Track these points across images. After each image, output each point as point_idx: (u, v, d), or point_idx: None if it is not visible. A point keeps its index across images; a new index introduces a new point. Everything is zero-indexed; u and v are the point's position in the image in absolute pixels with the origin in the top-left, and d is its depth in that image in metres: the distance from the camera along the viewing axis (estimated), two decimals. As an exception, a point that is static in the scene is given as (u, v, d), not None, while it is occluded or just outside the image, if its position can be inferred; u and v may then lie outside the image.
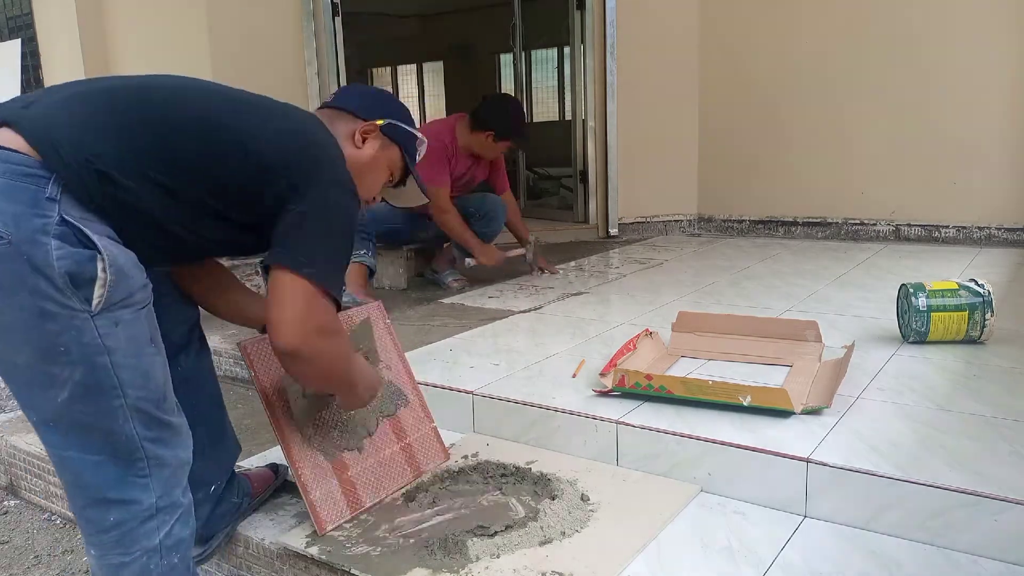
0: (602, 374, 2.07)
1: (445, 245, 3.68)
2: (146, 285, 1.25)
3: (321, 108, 1.60)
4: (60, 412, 1.18)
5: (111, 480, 1.22)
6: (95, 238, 1.15)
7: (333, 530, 1.58)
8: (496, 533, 1.53)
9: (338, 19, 4.22)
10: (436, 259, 3.75)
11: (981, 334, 2.26)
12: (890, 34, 4.21)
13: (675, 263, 3.88)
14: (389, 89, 11.41)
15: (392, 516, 1.62)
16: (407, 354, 2.43)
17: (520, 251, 3.61)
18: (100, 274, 1.15)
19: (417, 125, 1.67)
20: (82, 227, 1.14)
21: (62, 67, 4.72)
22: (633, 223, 4.94)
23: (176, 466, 1.29)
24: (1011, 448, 1.58)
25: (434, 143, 3.28)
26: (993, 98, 3.99)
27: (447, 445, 1.98)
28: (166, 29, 4.18)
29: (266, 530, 1.68)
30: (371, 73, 11.26)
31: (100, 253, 1.15)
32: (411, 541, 1.52)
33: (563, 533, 1.52)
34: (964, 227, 4.15)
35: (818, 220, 4.59)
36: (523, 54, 5.67)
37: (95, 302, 1.15)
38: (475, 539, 1.51)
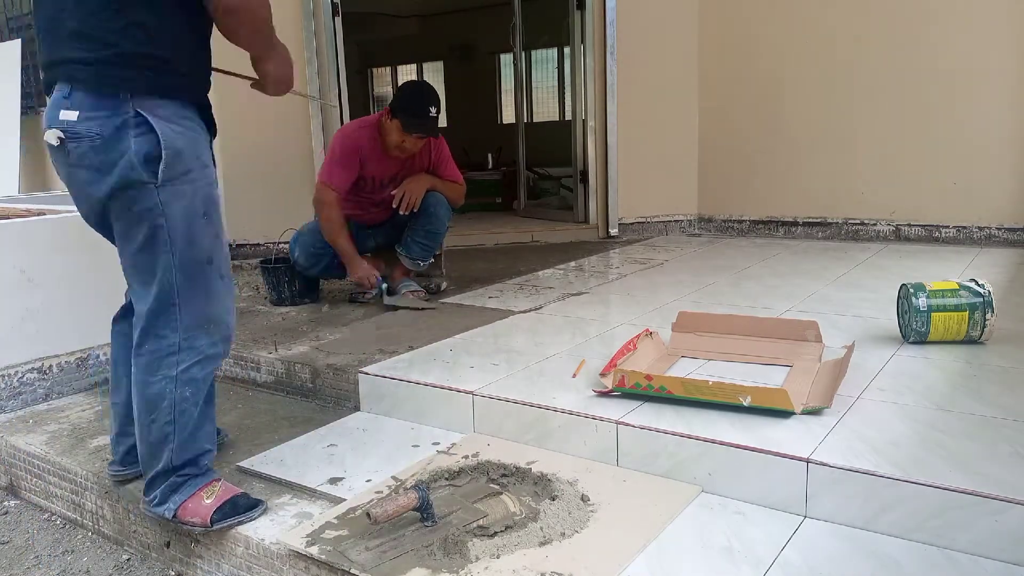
0: (602, 374, 2.07)
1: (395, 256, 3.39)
2: (206, 167, 1.62)
3: None
4: (134, 260, 1.62)
5: (154, 315, 1.62)
6: (155, 124, 1.51)
7: (332, 530, 1.58)
8: (496, 533, 1.53)
9: (338, 19, 4.22)
10: (394, 268, 3.46)
11: (981, 334, 2.26)
12: (890, 34, 4.21)
13: (675, 263, 3.88)
14: (389, 89, 11.41)
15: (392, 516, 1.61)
16: (407, 354, 2.44)
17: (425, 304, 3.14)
18: (162, 153, 1.52)
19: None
20: (147, 117, 1.51)
21: (62, 67, 4.71)
22: (633, 223, 4.94)
23: (202, 320, 1.64)
24: (1011, 448, 1.58)
25: (345, 141, 3.12)
26: (994, 98, 3.99)
27: (447, 445, 1.99)
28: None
29: (266, 530, 1.68)
30: (371, 73, 11.27)
31: (159, 137, 1.51)
32: (411, 541, 1.52)
33: (563, 534, 1.52)
34: (964, 227, 4.15)
35: (818, 220, 4.59)
36: (523, 54, 5.67)
37: (160, 176, 1.53)
38: (475, 539, 1.51)
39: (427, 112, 3.02)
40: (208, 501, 1.70)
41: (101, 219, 1.64)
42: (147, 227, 1.56)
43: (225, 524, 1.70)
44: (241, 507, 1.72)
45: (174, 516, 1.71)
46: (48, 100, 1.58)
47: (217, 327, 1.68)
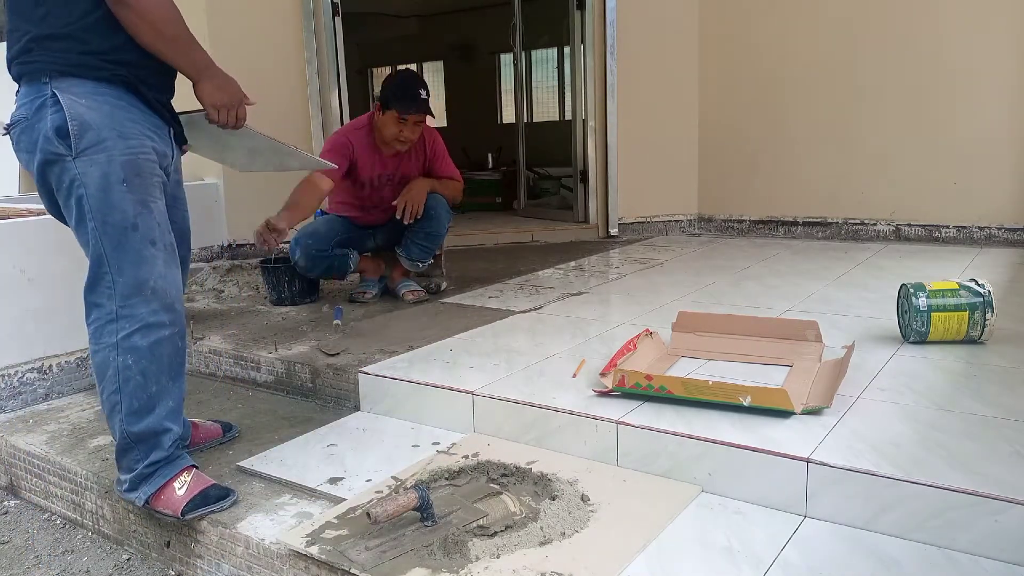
0: (602, 374, 2.07)
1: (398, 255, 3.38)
2: (126, 138, 1.64)
3: None
4: (76, 237, 1.68)
5: (91, 285, 1.69)
6: (63, 100, 1.58)
7: (332, 530, 1.58)
8: (496, 533, 1.53)
9: (338, 19, 4.22)
10: (393, 269, 3.47)
11: (981, 334, 2.26)
12: (890, 34, 4.21)
13: (675, 263, 3.88)
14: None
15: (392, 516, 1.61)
16: (407, 354, 2.45)
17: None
18: (68, 126, 1.58)
19: None
20: (58, 95, 1.58)
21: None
22: (633, 223, 4.94)
23: (136, 286, 1.67)
24: (1011, 448, 1.58)
25: (337, 138, 3.20)
26: (994, 98, 3.99)
27: (448, 445, 1.99)
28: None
29: (266, 530, 1.68)
30: (371, 73, 11.26)
31: (64, 112, 1.58)
32: (411, 541, 1.52)
33: (563, 534, 1.52)
34: (964, 227, 4.15)
35: (818, 220, 4.59)
36: (523, 54, 5.67)
37: (73, 148, 1.59)
38: (475, 539, 1.51)
39: (418, 94, 3.04)
40: (180, 493, 1.75)
41: (52, 203, 1.72)
42: (74, 200, 1.63)
43: (196, 514, 1.74)
44: (212, 497, 1.77)
45: (145, 504, 1.77)
46: None
47: (156, 295, 1.70)
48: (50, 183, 1.67)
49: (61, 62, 1.61)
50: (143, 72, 1.70)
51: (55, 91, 1.60)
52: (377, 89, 11.93)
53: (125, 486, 1.78)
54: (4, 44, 1.73)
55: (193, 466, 1.82)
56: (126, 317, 1.67)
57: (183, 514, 1.73)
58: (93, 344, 1.71)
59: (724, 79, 4.80)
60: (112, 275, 1.66)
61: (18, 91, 1.67)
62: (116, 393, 1.70)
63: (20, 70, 1.65)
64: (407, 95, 3.04)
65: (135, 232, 1.66)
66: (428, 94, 3.09)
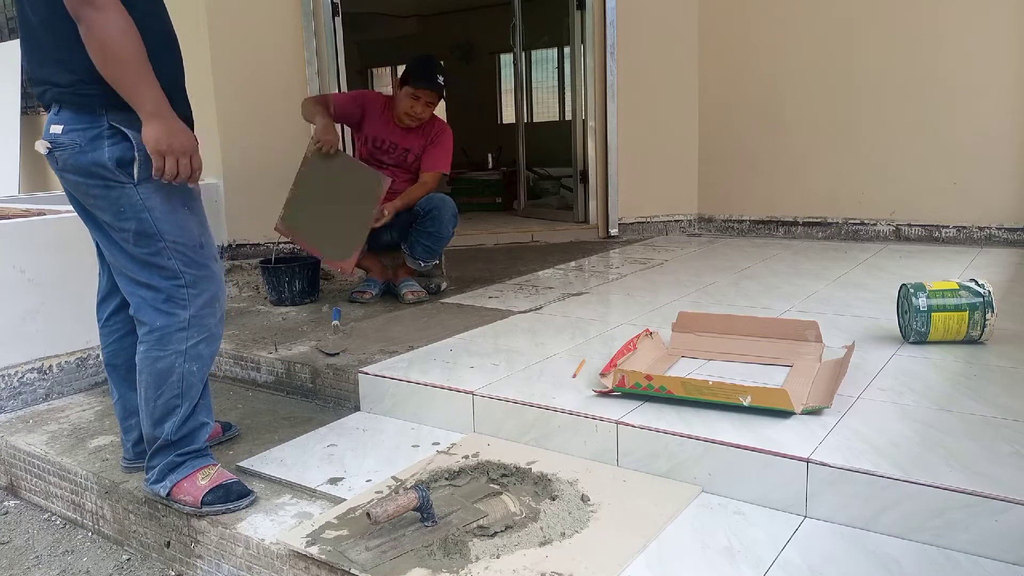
0: (602, 374, 2.07)
1: (402, 255, 3.44)
2: None
3: None
4: (131, 252, 1.71)
5: (165, 298, 1.73)
6: (129, 133, 1.63)
7: (332, 530, 1.58)
8: (496, 533, 1.53)
9: (338, 19, 4.22)
10: (398, 267, 3.50)
11: (981, 334, 2.26)
12: (890, 34, 4.21)
13: (675, 263, 3.88)
14: (389, 89, 11.40)
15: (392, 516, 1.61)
16: (407, 354, 2.45)
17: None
18: (135, 156, 1.64)
19: None
20: (121, 128, 1.63)
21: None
22: (633, 223, 4.94)
23: (208, 298, 1.76)
24: (1011, 448, 1.58)
25: (356, 91, 3.65)
26: (994, 98, 3.99)
27: (448, 445, 1.99)
28: (166, 29, 4.17)
29: (266, 530, 1.68)
30: (371, 73, 11.27)
31: (132, 143, 1.63)
32: (411, 541, 1.52)
33: (563, 534, 1.52)
34: (964, 227, 4.15)
35: (818, 220, 4.59)
36: (523, 54, 5.67)
37: (136, 176, 1.65)
38: (475, 539, 1.51)
39: (436, 77, 3.27)
40: (203, 482, 1.79)
41: (91, 219, 1.78)
42: (134, 221, 1.68)
43: (214, 509, 1.77)
44: (234, 493, 1.80)
45: (168, 494, 1.80)
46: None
47: (220, 306, 1.82)
48: (100, 205, 1.70)
49: (115, 97, 1.61)
50: (177, 103, 1.70)
51: (114, 124, 1.64)
52: (378, 89, 11.97)
53: (153, 477, 1.82)
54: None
55: (217, 464, 1.87)
56: (197, 327, 1.76)
57: (202, 504, 1.77)
58: (157, 351, 1.74)
59: (724, 79, 4.80)
60: (187, 288, 1.74)
61: (57, 113, 1.68)
62: (177, 398, 1.77)
63: (68, 98, 1.66)
64: (426, 75, 3.26)
65: (202, 250, 1.76)
66: (445, 82, 3.32)
